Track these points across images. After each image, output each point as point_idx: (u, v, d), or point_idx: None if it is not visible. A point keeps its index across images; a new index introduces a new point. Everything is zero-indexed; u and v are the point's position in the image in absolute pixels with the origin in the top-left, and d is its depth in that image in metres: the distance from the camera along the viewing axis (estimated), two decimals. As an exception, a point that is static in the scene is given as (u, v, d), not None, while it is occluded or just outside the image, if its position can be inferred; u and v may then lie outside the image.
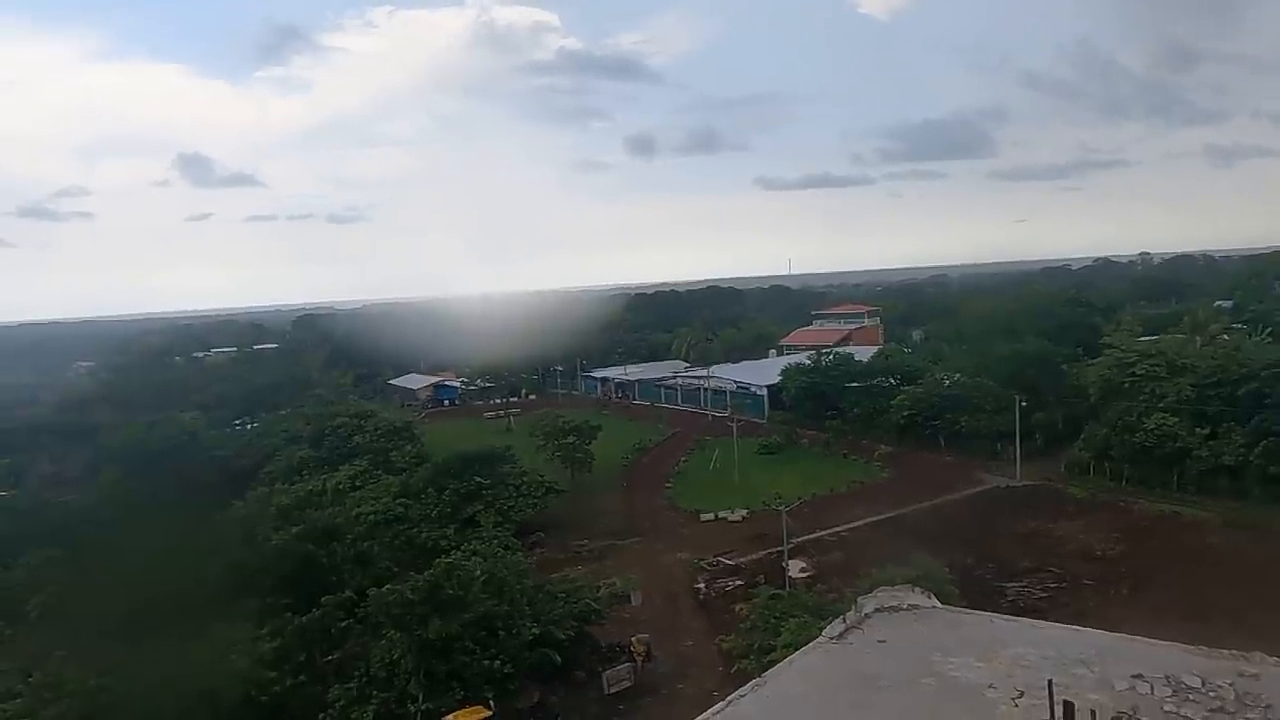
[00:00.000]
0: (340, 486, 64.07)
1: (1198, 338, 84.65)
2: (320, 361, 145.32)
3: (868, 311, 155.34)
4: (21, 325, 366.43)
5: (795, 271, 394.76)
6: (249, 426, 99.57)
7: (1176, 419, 62.23)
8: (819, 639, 13.39)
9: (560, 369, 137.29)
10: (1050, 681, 9.79)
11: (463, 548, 44.85)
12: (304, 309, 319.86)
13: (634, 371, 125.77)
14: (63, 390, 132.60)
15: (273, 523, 46.32)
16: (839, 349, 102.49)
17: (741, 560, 54.68)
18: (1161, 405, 63.81)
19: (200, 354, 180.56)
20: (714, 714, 11.12)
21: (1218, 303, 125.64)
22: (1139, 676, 10.68)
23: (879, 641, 12.85)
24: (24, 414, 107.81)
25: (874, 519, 60.39)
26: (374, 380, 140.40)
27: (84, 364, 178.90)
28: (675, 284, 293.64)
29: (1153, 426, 62.07)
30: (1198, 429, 61.64)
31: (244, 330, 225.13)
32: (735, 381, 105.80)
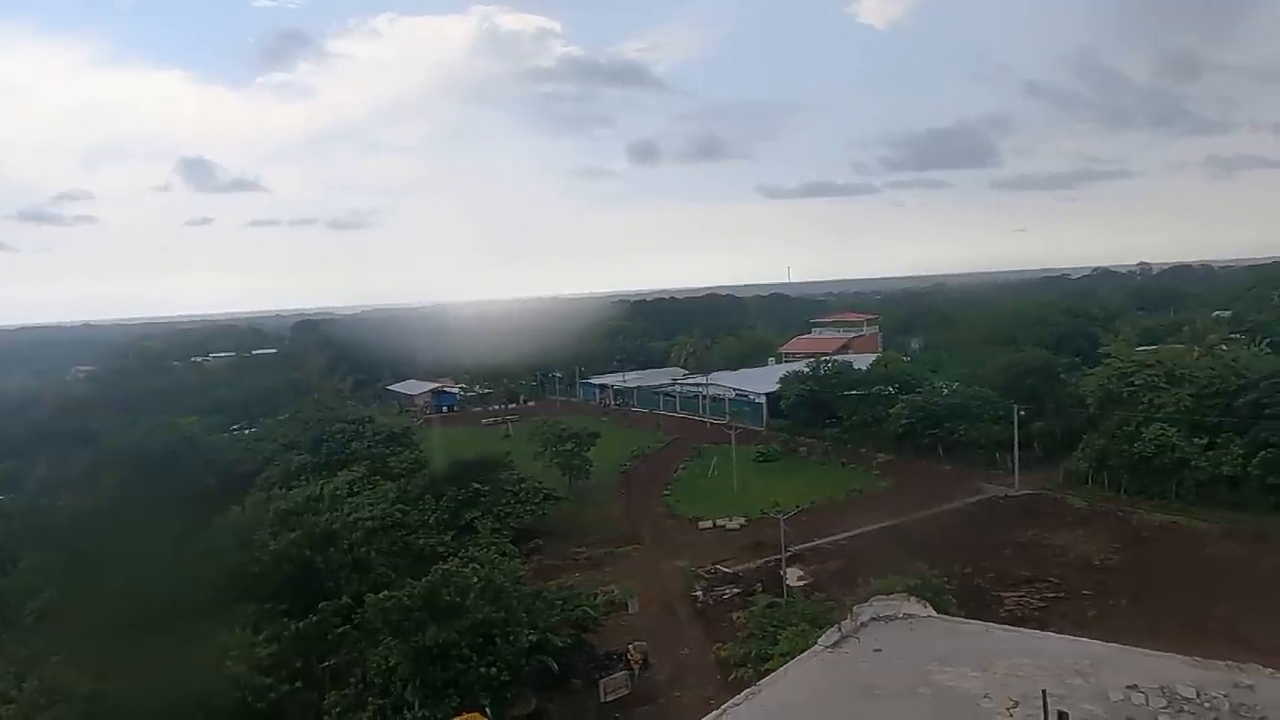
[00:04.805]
0: (338, 492, 63.68)
1: (1196, 348, 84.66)
2: (319, 367, 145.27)
3: (866, 320, 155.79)
4: (21, 329, 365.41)
5: (795, 279, 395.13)
6: (247, 431, 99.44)
7: (1175, 429, 62.29)
8: (814, 647, 13.38)
9: (559, 375, 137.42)
10: (1045, 692, 9.82)
11: (460, 554, 44.71)
12: (304, 314, 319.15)
13: (633, 378, 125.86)
14: (62, 394, 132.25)
15: (270, 528, 46.15)
16: (838, 357, 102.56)
17: (739, 568, 54.62)
18: (1160, 415, 63.87)
19: (199, 359, 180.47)
20: (709, 722, 11.12)
21: (1216, 313, 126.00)
22: (1134, 687, 10.68)
23: (875, 650, 12.85)
24: (23, 418, 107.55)
25: (872, 528, 60.28)
26: (373, 386, 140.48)
27: (83, 368, 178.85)
28: (675, 291, 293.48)
29: (1151, 436, 62.13)
30: (1196, 439, 61.71)
31: (243, 335, 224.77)
32: (734, 389, 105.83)
